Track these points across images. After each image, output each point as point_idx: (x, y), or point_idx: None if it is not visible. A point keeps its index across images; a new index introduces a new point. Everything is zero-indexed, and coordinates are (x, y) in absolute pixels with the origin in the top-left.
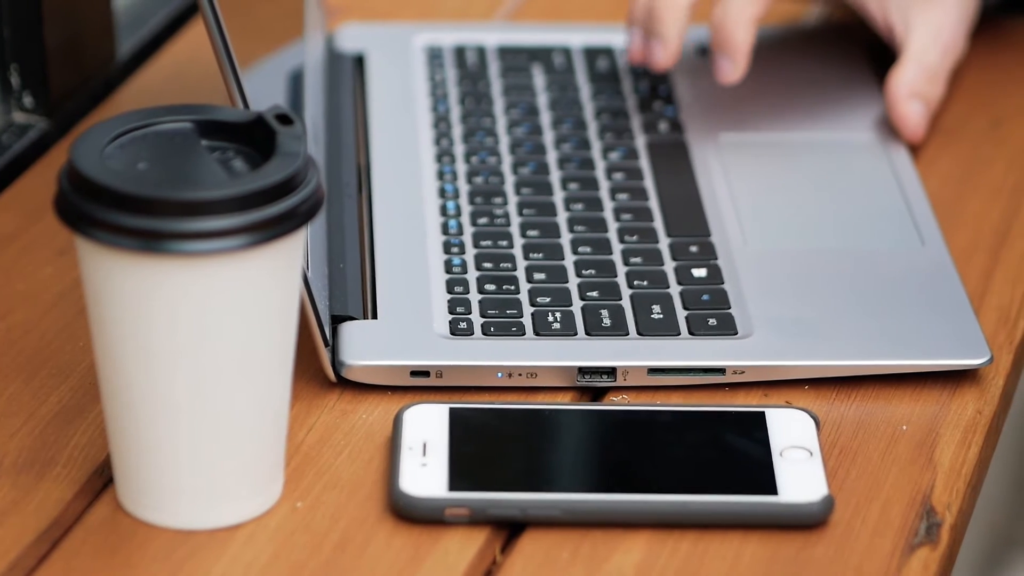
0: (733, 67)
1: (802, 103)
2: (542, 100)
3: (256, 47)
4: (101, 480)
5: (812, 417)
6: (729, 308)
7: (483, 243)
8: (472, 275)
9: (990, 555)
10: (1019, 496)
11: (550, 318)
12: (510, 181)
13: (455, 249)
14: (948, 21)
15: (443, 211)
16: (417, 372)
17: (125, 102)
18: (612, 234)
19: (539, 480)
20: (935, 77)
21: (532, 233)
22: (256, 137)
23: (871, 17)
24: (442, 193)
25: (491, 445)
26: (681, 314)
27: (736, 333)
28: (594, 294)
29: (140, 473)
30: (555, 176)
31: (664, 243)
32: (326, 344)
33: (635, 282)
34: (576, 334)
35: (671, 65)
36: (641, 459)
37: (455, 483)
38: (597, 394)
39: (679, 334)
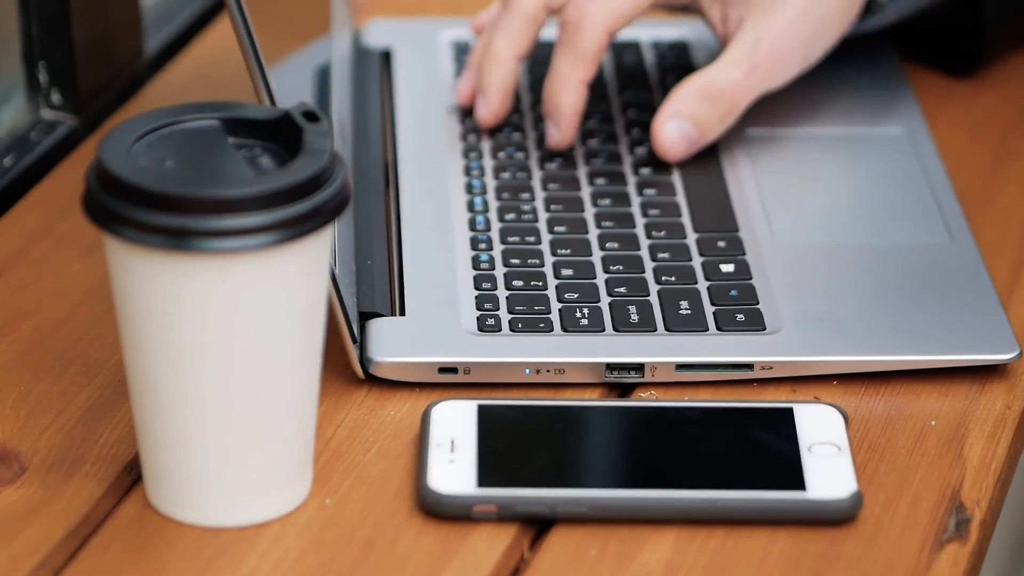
0: (559, 134)
1: (829, 97)
2: None
3: (283, 43)
4: (130, 478)
5: (841, 413)
6: (757, 303)
7: (511, 239)
8: (500, 271)
9: None
10: None
11: (578, 314)
12: (537, 177)
13: (483, 245)
14: (777, 28)
15: (470, 207)
16: (445, 369)
17: (153, 99)
18: (640, 230)
19: (567, 477)
20: (719, 97)
21: (560, 229)
22: (283, 134)
23: (705, 13)
24: (469, 189)
25: (519, 442)
26: (709, 310)
27: (764, 329)
28: (622, 290)
29: (169, 470)
30: (582, 172)
31: (692, 239)
32: (354, 341)
33: (663, 278)
34: (604, 330)
35: (493, 123)
36: (669, 455)
37: (483, 480)
38: (625, 390)
39: (707, 330)
